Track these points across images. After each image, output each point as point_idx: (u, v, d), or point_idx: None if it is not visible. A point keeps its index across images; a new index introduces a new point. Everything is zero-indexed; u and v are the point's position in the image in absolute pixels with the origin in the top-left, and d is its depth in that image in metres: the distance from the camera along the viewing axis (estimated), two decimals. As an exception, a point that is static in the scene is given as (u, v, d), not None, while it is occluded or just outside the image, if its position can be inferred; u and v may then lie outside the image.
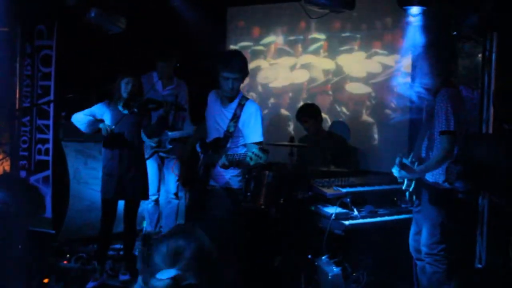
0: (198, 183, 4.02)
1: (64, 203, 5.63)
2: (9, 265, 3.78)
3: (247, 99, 4.02)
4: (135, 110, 4.62)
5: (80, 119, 4.71)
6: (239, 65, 3.85)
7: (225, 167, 3.78)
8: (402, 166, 3.74)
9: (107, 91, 4.72)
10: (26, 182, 5.77)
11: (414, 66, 4.01)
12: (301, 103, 6.02)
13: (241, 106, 3.94)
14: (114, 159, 4.60)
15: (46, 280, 4.46)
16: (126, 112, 4.64)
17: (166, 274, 1.73)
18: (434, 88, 3.80)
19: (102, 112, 4.68)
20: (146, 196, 4.83)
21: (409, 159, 3.89)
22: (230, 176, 4.00)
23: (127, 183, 4.60)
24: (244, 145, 3.93)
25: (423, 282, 3.91)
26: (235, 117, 3.92)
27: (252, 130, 3.90)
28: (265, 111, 6.56)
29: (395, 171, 3.82)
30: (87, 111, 4.71)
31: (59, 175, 5.74)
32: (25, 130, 5.97)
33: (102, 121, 4.65)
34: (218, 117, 4.01)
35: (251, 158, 3.53)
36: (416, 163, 3.83)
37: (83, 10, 5.08)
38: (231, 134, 3.92)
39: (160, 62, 5.52)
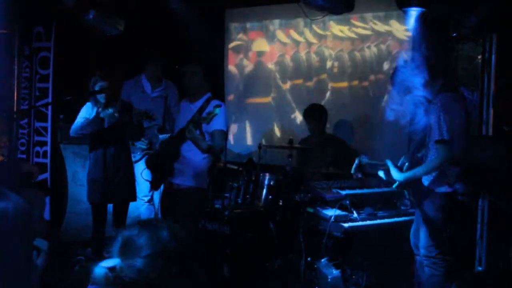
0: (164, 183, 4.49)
1: (62, 206, 5.61)
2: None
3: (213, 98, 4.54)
4: (116, 115, 4.54)
5: (77, 125, 4.60)
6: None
7: (191, 133, 4.23)
8: (389, 168, 3.73)
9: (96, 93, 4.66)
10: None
11: (411, 69, 3.96)
12: (300, 104, 6.01)
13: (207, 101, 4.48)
14: (99, 164, 4.55)
15: None
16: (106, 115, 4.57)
17: (107, 263, 1.65)
18: (430, 93, 3.72)
19: (91, 111, 4.62)
20: (134, 198, 4.78)
21: (400, 161, 3.88)
22: (194, 173, 4.31)
23: (114, 187, 4.54)
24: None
25: (422, 279, 3.89)
26: (201, 110, 4.40)
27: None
28: (264, 112, 6.55)
29: (381, 173, 3.86)
30: (78, 118, 4.63)
31: (57, 178, 5.72)
32: (23, 132, 5.96)
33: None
34: (187, 113, 4.49)
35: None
36: (406, 164, 3.82)
37: (81, 11, 5.07)
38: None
39: (150, 64, 5.52)
